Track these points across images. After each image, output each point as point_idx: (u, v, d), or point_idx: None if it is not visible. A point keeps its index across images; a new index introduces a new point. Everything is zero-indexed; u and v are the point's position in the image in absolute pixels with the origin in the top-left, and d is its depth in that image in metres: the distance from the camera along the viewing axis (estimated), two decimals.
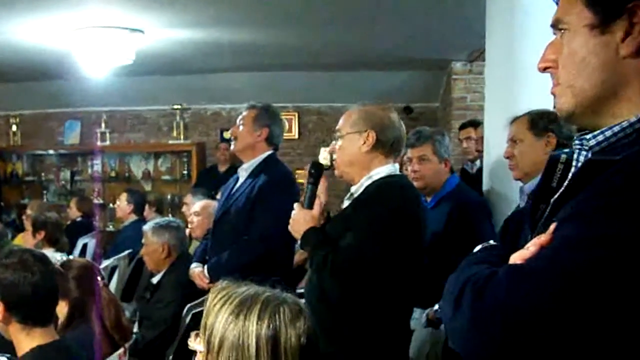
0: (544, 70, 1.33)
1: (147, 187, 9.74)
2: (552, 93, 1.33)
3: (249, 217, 4.00)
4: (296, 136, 9.68)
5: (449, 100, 7.99)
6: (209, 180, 8.22)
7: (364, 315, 2.81)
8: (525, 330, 1.06)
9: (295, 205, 3.00)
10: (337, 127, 3.04)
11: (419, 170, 4.21)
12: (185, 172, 9.70)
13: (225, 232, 4.11)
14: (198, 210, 5.30)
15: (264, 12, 5.70)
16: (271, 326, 1.66)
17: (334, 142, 3.05)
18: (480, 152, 5.01)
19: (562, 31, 1.28)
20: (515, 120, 3.29)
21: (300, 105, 9.63)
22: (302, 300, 1.96)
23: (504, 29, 4.00)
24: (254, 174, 4.10)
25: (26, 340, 2.53)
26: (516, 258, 1.19)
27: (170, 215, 8.95)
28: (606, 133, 1.22)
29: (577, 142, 1.30)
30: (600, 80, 1.23)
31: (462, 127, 5.98)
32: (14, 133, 10.16)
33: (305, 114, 9.74)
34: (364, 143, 2.91)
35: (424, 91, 9.08)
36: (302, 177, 9.19)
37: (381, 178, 2.91)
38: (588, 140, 1.25)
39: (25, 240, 5.11)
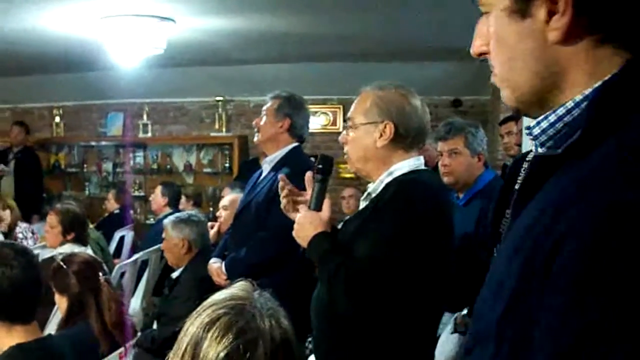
0: (478, 56, 1.15)
1: (189, 180, 9.66)
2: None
3: (267, 211, 3.82)
4: (341, 129, 9.46)
5: (499, 93, 7.69)
6: (251, 173, 8.06)
7: (382, 331, 2.40)
8: None
9: (301, 207, 2.60)
10: (349, 115, 2.66)
11: (449, 164, 4.01)
12: (227, 164, 9.57)
13: (245, 226, 3.97)
14: (226, 204, 5.20)
15: None
16: (199, 332, 1.62)
17: (344, 132, 2.67)
18: (519, 147, 4.74)
19: (485, 13, 1.11)
20: None
21: (345, 98, 9.42)
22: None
23: None
24: (276, 167, 3.92)
25: (7, 338, 2.42)
26: None
27: (210, 208, 8.86)
28: (550, 118, 1.05)
29: (526, 132, 1.10)
30: (532, 73, 1.05)
31: (503, 122, 5.69)
32: (57, 124, 10.17)
33: (350, 106, 9.49)
34: (381, 136, 2.50)
35: (473, 83, 8.76)
36: (345, 171, 9.09)
37: (403, 175, 2.50)
38: (533, 128, 1.07)
39: (45, 230, 5.02)
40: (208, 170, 9.78)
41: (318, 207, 2.56)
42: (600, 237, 0.83)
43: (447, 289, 2.56)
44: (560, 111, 1.03)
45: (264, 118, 3.98)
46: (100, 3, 5.33)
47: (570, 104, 1.02)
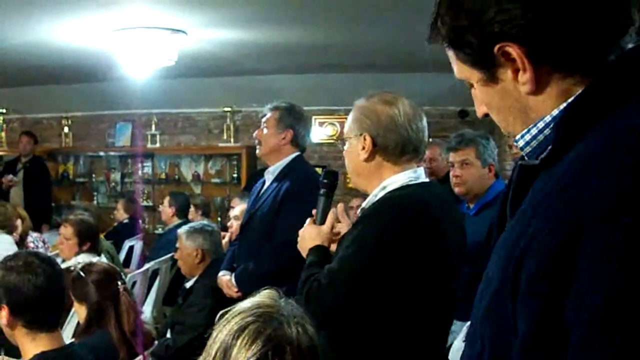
0: (485, 116, 1.32)
1: (197, 190, 9.70)
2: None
3: (273, 222, 3.86)
4: None
5: None
6: None
7: (377, 344, 2.39)
8: None
9: (308, 220, 2.65)
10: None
11: (461, 175, 4.05)
12: (235, 175, 9.62)
13: (251, 237, 4.00)
14: (238, 214, 5.20)
15: (312, 10, 5.53)
16: (227, 339, 1.66)
17: (342, 145, 2.64)
18: None
19: (471, 87, 1.28)
20: None
21: (352, 108, 9.46)
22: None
23: None
24: (279, 178, 3.96)
25: (31, 345, 2.47)
26: None
27: (219, 218, 8.91)
28: (532, 130, 1.20)
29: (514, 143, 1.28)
30: (522, 120, 1.21)
31: None
32: (66, 134, 10.22)
33: None
34: (363, 149, 2.46)
35: None
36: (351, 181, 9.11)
37: (393, 190, 2.44)
38: (517, 141, 1.23)
39: (59, 242, 5.03)
40: (216, 180, 9.83)
41: (323, 221, 2.61)
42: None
43: (452, 299, 2.55)
44: (541, 124, 1.18)
45: (265, 130, 4.00)
46: (114, 16, 5.40)
47: (548, 119, 1.17)
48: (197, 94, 9.34)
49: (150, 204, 9.76)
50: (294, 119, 4.00)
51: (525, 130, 1.20)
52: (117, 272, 3.29)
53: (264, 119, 4.04)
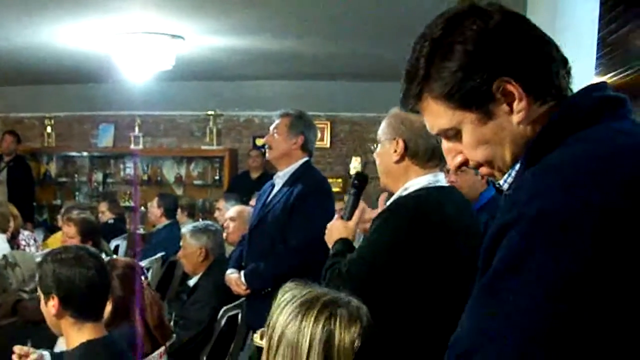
0: (458, 167, 1.49)
1: (179, 192, 9.81)
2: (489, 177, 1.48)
3: (286, 224, 4.01)
4: (328, 145, 9.70)
5: None
6: (242, 187, 8.27)
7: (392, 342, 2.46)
8: None
9: (336, 215, 2.88)
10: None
11: (456, 181, 4.23)
12: (217, 177, 9.79)
13: (262, 239, 4.13)
14: (234, 215, 5.30)
15: (302, 21, 5.76)
16: (325, 329, 1.75)
17: (374, 148, 2.86)
18: None
19: (456, 134, 1.42)
20: None
21: (333, 115, 9.68)
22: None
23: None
24: (290, 182, 4.10)
25: (77, 335, 2.61)
26: None
27: (201, 219, 9.02)
28: (512, 174, 1.40)
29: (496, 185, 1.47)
30: (512, 150, 1.39)
31: None
32: (49, 134, 10.29)
33: (338, 123, 9.78)
34: (395, 152, 2.68)
35: None
36: (332, 185, 9.27)
37: (415, 190, 2.65)
38: (502, 185, 1.43)
39: (62, 241, 5.14)
40: (198, 182, 9.98)
41: (349, 217, 2.82)
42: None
43: (465, 300, 2.73)
44: (517, 167, 1.38)
45: (276, 135, 4.13)
46: (114, 20, 5.54)
47: (516, 166, 1.39)
48: (180, 98, 9.48)
49: (132, 204, 9.84)
50: (304, 126, 4.15)
51: (507, 174, 1.40)
52: (140, 267, 3.43)
53: (273, 125, 4.17)
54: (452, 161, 1.47)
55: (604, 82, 1.41)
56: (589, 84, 1.39)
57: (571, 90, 1.39)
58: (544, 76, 1.35)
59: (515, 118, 1.34)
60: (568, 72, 1.40)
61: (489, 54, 1.33)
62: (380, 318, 2.40)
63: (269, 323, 1.82)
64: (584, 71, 3.66)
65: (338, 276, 2.56)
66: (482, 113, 1.36)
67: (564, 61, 1.39)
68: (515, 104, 1.33)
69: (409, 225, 2.53)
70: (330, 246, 2.81)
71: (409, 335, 2.54)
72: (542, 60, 1.35)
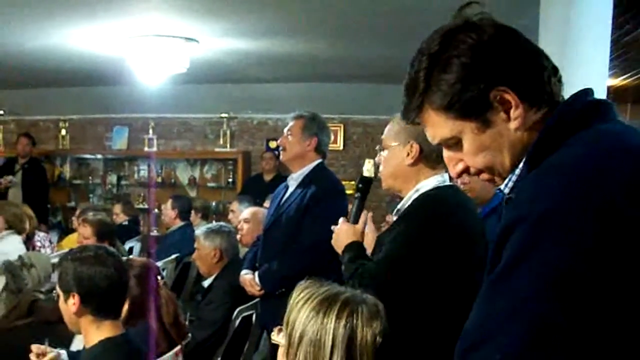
0: (460, 175, 1.55)
1: (192, 194, 9.84)
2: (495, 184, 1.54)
3: (300, 225, 4.03)
4: (341, 147, 9.73)
5: None
6: (255, 189, 8.31)
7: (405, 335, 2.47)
8: None
9: (341, 219, 2.87)
10: (382, 137, 2.89)
11: (468, 182, 4.25)
12: (230, 179, 9.84)
13: (276, 240, 4.15)
14: (248, 217, 5.31)
15: (316, 24, 5.80)
16: (348, 325, 1.77)
17: (380, 153, 2.89)
18: None
19: (456, 143, 1.49)
20: None
21: (346, 117, 9.70)
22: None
23: (557, 37, 4.01)
24: (304, 183, 4.12)
25: (96, 332, 2.64)
26: None
27: (214, 221, 9.05)
28: (512, 178, 1.47)
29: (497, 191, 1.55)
30: (511, 155, 1.45)
31: None
32: (63, 137, 10.37)
33: (351, 125, 9.81)
34: (408, 155, 2.71)
35: None
36: (346, 187, 9.29)
37: (428, 191, 2.71)
38: (503, 190, 1.48)
39: (78, 242, 5.18)
40: (212, 184, 10.03)
41: (356, 221, 2.85)
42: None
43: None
44: (517, 171, 1.44)
45: (290, 137, 4.15)
46: (129, 23, 5.59)
47: (517, 171, 1.45)
48: (194, 100, 9.54)
49: (146, 206, 9.90)
50: (317, 127, 4.18)
51: (508, 179, 1.46)
52: (156, 267, 3.47)
53: (287, 127, 4.18)
54: (454, 169, 1.54)
55: (590, 88, 1.47)
56: (579, 89, 1.46)
57: (563, 97, 1.46)
58: (537, 84, 1.43)
59: (513, 125, 1.42)
60: (559, 80, 1.47)
61: (485, 65, 1.40)
62: (405, 315, 2.45)
63: (287, 321, 1.83)
64: (597, 73, 3.68)
65: (369, 278, 2.56)
66: (481, 122, 1.43)
67: (555, 69, 1.46)
68: (512, 112, 1.41)
69: (434, 225, 2.58)
70: (338, 251, 2.82)
71: (428, 332, 2.55)
72: (534, 69, 1.43)
